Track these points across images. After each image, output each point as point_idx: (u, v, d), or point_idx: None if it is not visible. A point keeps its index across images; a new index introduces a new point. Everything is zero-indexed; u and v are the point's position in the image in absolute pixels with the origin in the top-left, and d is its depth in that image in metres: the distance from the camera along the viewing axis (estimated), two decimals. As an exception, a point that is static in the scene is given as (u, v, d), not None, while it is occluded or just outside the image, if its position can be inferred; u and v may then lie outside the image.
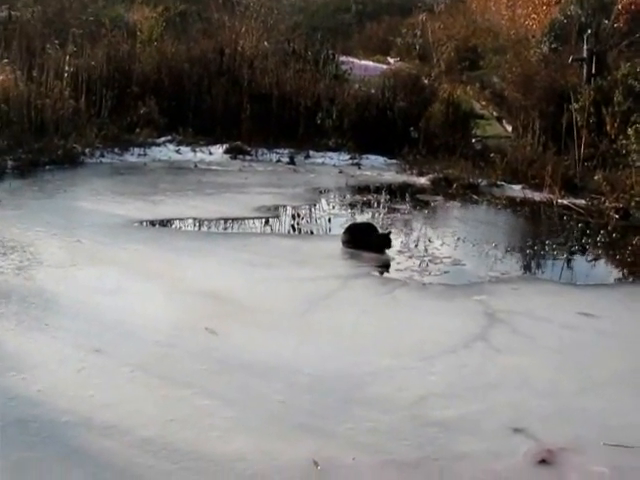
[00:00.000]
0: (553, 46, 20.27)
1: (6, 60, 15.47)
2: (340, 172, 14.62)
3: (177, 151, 15.31)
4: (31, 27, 18.18)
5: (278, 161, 15.32)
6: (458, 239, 10.49)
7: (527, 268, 9.73)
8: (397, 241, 10.04)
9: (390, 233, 9.91)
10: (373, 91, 17.64)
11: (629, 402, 6.05)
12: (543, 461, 5.09)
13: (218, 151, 15.50)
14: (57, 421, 5.23)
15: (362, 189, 13.48)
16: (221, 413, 5.48)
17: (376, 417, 5.53)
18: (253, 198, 11.99)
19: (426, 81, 18.49)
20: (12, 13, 20.14)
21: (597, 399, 6.05)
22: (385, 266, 9.22)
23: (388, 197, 13.10)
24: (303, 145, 16.10)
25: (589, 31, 17.58)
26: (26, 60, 15.67)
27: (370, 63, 25.64)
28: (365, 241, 9.67)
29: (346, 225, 10.21)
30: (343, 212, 11.73)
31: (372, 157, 15.90)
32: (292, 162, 15.25)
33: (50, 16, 19.55)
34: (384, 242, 9.69)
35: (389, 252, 9.64)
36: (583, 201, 12.67)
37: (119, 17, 21.56)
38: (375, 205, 12.40)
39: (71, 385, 5.77)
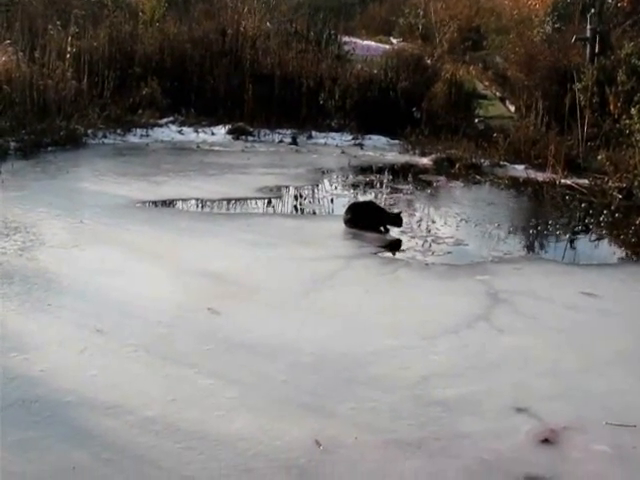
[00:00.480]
0: (556, 26, 20.20)
1: (8, 41, 15.44)
2: (342, 152, 14.60)
3: (179, 132, 15.29)
4: (33, 8, 18.13)
5: (280, 142, 15.30)
6: (461, 219, 10.48)
7: (530, 248, 9.72)
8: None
9: (400, 213, 9.89)
10: (375, 71, 17.57)
11: (631, 382, 6.06)
12: (545, 440, 5.11)
13: (220, 132, 15.47)
14: (59, 401, 5.25)
15: (365, 169, 13.46)
16: (224, 393, 5.50)
17: (378, 397, 5.54)
18: (256, 179, 11.98)
19: (429, 61, 18.43)
20: (14, -6, 20.12)
21: (599, 379, 6.06)
22: (388, 246, 9.22)
23: (391, 177, 13.08)
24: (305, 126, 16.07)
25: (592, 10, 17.50)
26: (28, 41, 15.65)
27: (372, 43, 25.58)
28: (368, 219, 9.68)
29: (348, 204, 10.20)
30: (346, 192, 11.71)
31: (375, 137, 15.87)
32: (294, 143, 15.23)
33: (52, -3, 19.48)
34: (395, 222, 9.70)
35: (392, 232, 9.64)
36: (586, 181, 12.65)
37: (121, -3, 21.49)
38: (378, 185, 12.38)
39: (73, 365, 5.79)
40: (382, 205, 10.48)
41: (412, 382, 5.80)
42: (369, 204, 10.24)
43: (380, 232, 9.63)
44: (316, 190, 11.83)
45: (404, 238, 9.50)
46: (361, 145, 15.41)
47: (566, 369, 6.20)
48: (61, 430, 4.92)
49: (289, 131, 15.74)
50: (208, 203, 10.71)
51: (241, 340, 6.37)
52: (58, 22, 16.50)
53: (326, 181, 12.46)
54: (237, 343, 6.31)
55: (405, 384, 5.76)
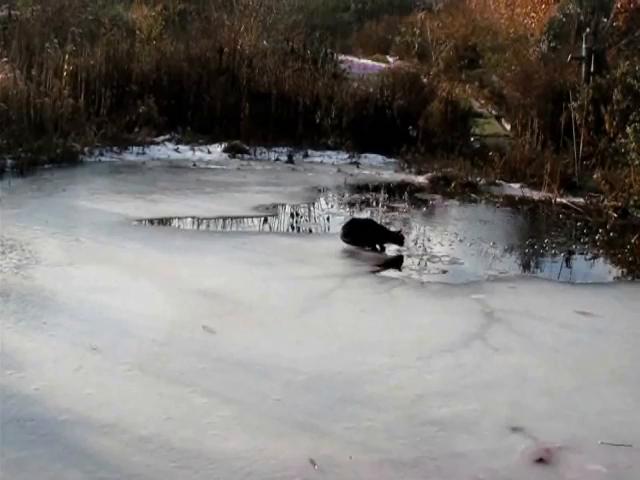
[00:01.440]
0: (552, 45, 20.31)
1: (5, 59, 15.47)
2: (339, 171, 14.63)
3: (176, 150, 15.31)
4: (31, 26, 18.18)
5: (277, 160, 15.33)
6: (456, 238, 10.50)
7: (525, 267, 9.73)
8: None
9: (401, 231, 9.91)
10: (372, 90, 17.63)
11: (627, 401, 6.06)
12: (540, 460, 5.11)
13: (217, 150, 15.50)
14: (55, 420, 5.24)
15: (361, 188, 13.48)
16: (219, 412, 5.49)
17: (373, 416, 5.54)
18: (252, 197, 12.00)
19: (425, 80, 18.48)
20: (12, 12, 20.15)
21: (594, 398, 6.06)
22: (384, 265, 9.23)
23: (387, 196, 13.09)
24: (302, 144, 16.12)
25: (588, 30, 17.61)
26: (25, 59, 15.69)
27: (369, 62, 25.70)
28: (368, 237, 9.70)
29: (346, 221, 10.22)
30: (342, 211, 11.73)
31: (371, 156, 15.91)
32: (291, 161, 15.26)
33: (50, 15, 19.51)
34: (396, 240, 9.71)
35: (387, 250, 9.66)
36: (582, 200, 12.68)
37: (118, 16, 21.58)
38: (374, 204, 12.39)
39: (69, 384, 5.78)
40: (381, 223, 10.49)
41: (407, 401, 5.80)
42: (369, 222, 10.25)
43: (376, 250, 9.64)
44: (312, 208, 11.85)
45: (400, 256, 9.52)
46: (357, 163, 15.45)
47: (561, 388, 6.19)
48: (56, 449, 4.91)
49: (285, 149, 15.78)
50: (204, 221, 10.72)
51: (236, 359, 6.36)
52: (55, 40, 16.55)
53: (322, 199, 12.47)
54: (232, 362, 6.31)
55: (400, 403, 5.76)
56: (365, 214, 11.48)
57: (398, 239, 9.75)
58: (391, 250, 9.68)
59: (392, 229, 10.12)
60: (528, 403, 5.89)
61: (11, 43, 16.24)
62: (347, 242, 9.64)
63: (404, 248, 9.77)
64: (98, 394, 5.63)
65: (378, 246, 9.71)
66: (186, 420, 5.35)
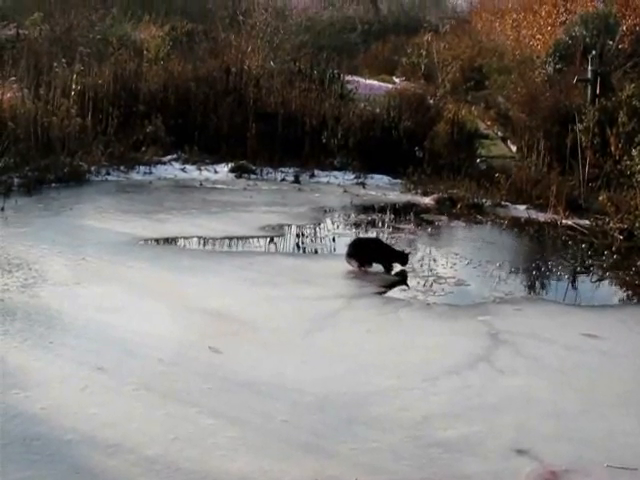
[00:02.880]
0: (558, 67, 20.30)
1: (14, 78, 15.54)
2: (345, 191, 14.63)
3: (182, 169, 15.33)
4: (39, 45, 18.27)
5: (283, 180, 15.34)
6: (462, 259, 10.49)
7: (531, 289, 9.72)
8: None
9: (405, 251, 9.94)
10: (378, 110, 17.64)
11: (633, 424, 6.05)
12: (546, 482, 5.10)
13: (223, 170, 15.52)
14: (60, 439, 5.25)
15: (367, 208, 13.48)
16: (224, 432, 5.50)
17: (379, 437, 5.55)
18: (258, 217, 12.01)
19: (431, 101, 18.48)
20: (20, 31, 20.28)
21: (600, 420, 6.06)
22: (389, 285, 9.25)
23: (392, 217, 13.09)
24: (308, 164, 16.11)
25: (594, 52, 17.59)
26: (33, 78, 15.74)
27: (375, 82, 25.70)
28: (374, 256, 9.72)
29: (352, 240, 10.24)
30: (348, 231, 11.72)
31: (377, 176, 15.91)
32: (297, 181, 15.27)
33: (58, 34, 19.64)
34: (402, 260, 9.73)
35: (394, 272, 9.67)
36: (587, 222, 12.66)
37: (126, 36, 21.68)
38: (380, 224, 12.39)
39: (74, 403, 5.80)
40: (386, 242, 10.51)
41: (413, 423, 5.80)
42: (375, 241, 10.27)
43: (382, 271, 9.65)
44: (318, 229, 11.85)
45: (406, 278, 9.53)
46: (363, 184, 15.44)
47: (567, 411, 6.19)
48: (61, 469, 4.92)
49: (292, 169, 15.78)
50: (210, 241, 10.74)
51: (242, 379, 6.38)
52: (63, 59, 16.61)
53: (328, 220, 12.47)
54: (238, 382, 6.32)
55: (406, 425, 5.76)
56: (371, 235, 11.47)
57: (403, 258, 9.77)
58: (397, 271, 9.69)
59: (397, 248, 10.13)
60: (534, 425, 5.89)
61: (19, 62, 16.28)
62: (352, 262, 9.65)
63: (409, 269, 9.78)
64: (104, 414, 5.65)
65: (383, 266, 9.72)
66: (192, 440, 5.35)
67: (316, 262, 10.19)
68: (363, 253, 9.73)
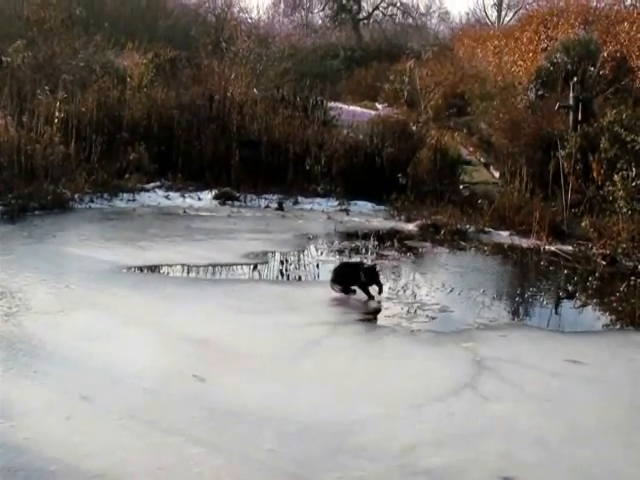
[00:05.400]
0: (540, 93, 20.46)
1: (-4, 105, 15.55)
2: (328, 218, 14.66)
3: (166, 197, 15.34)
4: (22, 73, 18.27)
5: (267, 207, 15.36)
6: (446, 285, 10.51)
7: (515, 315, 9.74)
8: (385, 287, 10.05)
9: (375, 265, 9.97)
10: (361, 137, 17.71)
11: (618, 451, 6.06)
12: (531, 510, 5.10)
13: (207, 197, 15.54)
14: (44, 470, 5.22)
15: (350, 235, 13.49)
16: (210, 461, 5.48)
17: (364, 466, 5.53)
18: (242, 244, 12.01)
19: (414, 127, 18.58)
20: (3, 58, 20.26)
21: (585, 448, 6.07)
22: (374, 312, 9.26)
23: (376, 243, 13.10)
24: (292, 191, 16.15)
25: (575, 78, 17.74)
26: (17, 105, 15.76)
27: (358, 109, 25.82)
28: (347, 277, 9.73)
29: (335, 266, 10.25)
30: (331, 258, 11.73)
31: (360, 203, 15.95)
32: (281, 208, 15.29)
33: (41, 62, 19.62)
34: (371, 275, 9.73)
35: (377, 298, 9.66)
36: (570, 247, 12.71)
37: (109, 63, 21.67)
38: (363, 251, 12.41)
39: (59, 433, 5.77)
40: (358, 261, 10.57)
41: (398, 451, 5.79)
42: (356, 265, 10.26)
43: (366, 297, 9.65)
44: (302, 256, 11.86)
45: (390, 304, 9.51)
46: (347, 211, 15.48)
47: (552, 438, 6.19)
48: (46, 499, 4.90)
49: (275, 196, 15.81)
50: (194, 268, 10.72)
51: (227, 408, 6.36)
52: (46, 87, 16.64)
53: (312, 247, 12.48)
54: (223, 411, 6.30)
55: (391, 453, 5.75)
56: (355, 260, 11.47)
57: (372, 273, 9.75)
58: (381, 298, 9.69)
59: (369, 262, 10.17)
60: (519, 453, 5.89)
61: (2, 90, 16.29)
62: (336, 287, 9.66)
63: (394, 296, 9.79)
64: (88, 443, 5.62)
65: (364, 291, 9.70)
66: (177, 470, 5.33)
67: (300, 289, 10.19)
68: (345, 278, 9.74)
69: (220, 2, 41.95)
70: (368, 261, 11.36)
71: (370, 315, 9.16)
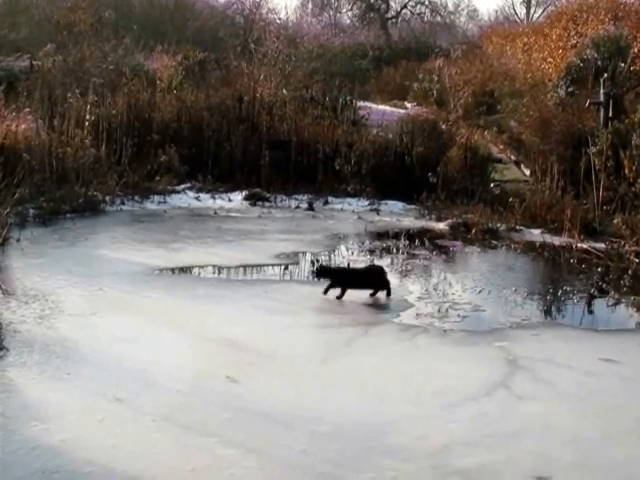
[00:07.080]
0: (570, 90, 20.30)
1: (28, 109, 15.63)
2: (359, 218, 14.65)
3: (197, 198, 15.39)
4: (52, 76, 18.38)
5: (297, 207, 15.37)
6: (478, 284, 10.48)
7: (547, 313, 9.69)
8: (417, 287, 10.06)
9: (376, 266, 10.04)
10: (391, 136, 17.68)
11: (652, 449, 6.02)
12: (566, 510, 5.08)
13: (237, 198, 15.57)
14: (79, 471, 5.25)
15: (381, 235, 13.48)
16: (243, 462, 5.49)
17: (398, 466, 5.53)
18: (272, 245, 12.03)
19: (444, 126, 18.53)
20: (33, 62, 20.42)
21: (620, 447, 6.03)
22: (405, 312, 9.23)
23: (407, 243, 13.07)
24: (322, 191, 16.15)
25: (605, 74, 17.63)
26: (47, 109, 15.87)
27: (387, 108, 25.81)
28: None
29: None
30: (362, 258, 11.72)
31: (391, 202, 15.93)
32: (311, 208, 15.29)
33: (71, 65, 19.75)
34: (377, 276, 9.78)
35: (409, 298, 9.65)
36: (602, 245, 12.63)
37: (139, 66, 21.79)
38: (394, 251, 12.39)
39: (93, 435, 5.80)
40: (397, 271, 10.52)
41: (432, 451, 5.78)
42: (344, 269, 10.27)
43: (398, 297, 9.63)
44: (333, 256, 11.85)
45: (421, 304, 9.49)
46: (377, 210, 15.46)
47: (586, 437, 6.16)
48: (81, 501, 4.92)
49: (305, 197, 15.82)
50: (225, 270, 10.75)
51: (260, 408, 6.37)
52: (77, 90, 16.71)
53: (343, 247, 12.48)
54: (256, 412, 6.31)
55: (425, 453, 5.74)
56: (385, 261, 11.45)
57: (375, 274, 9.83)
58: (412, 298, 9.67)
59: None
60: (553, 452, 5.86)
61: (33, 94, 16.42)
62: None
63: (426, 295, 9.77)
64: (122, 445, 5.64)
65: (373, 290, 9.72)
66: (210, 471, 5.35)
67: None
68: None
69: (248, 3, 42.05)
70: (399, 262, 11.35)
71: (402, 315, 9.13)
